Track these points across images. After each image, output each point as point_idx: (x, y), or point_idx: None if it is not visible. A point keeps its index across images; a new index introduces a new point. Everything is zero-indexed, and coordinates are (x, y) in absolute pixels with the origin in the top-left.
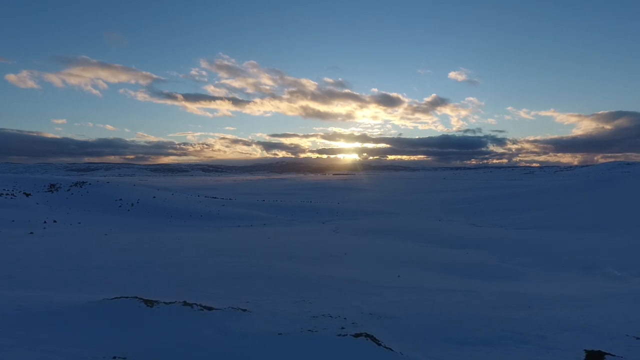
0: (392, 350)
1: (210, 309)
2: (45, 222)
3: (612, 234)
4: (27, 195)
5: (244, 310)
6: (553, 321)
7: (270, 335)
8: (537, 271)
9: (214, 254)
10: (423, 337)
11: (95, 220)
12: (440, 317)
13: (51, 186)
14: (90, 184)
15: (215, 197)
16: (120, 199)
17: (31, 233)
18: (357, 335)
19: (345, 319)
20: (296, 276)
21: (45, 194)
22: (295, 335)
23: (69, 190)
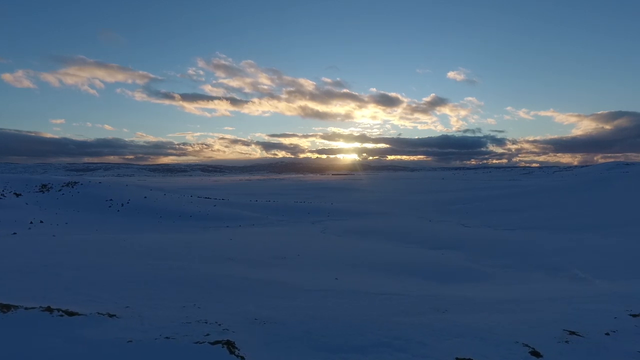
0: (244, 359)
1: (72, 314)
2: (31, 222)
3: (602, 234)
4: (18, 195)
5: (112, 315)
6: (453, 327)
7: (118, 343)
8: (505, 272)
9: (144, 257)
10: (294, 344)
11: (82, 221)
12: (333, 323)
13: (42, 186)
14: (82, 184)
15: (209, 198)
16: (111, 199)
17: (14, 234)
18: (215, 343)
19: (220, 324)
20: (211, 279)
21: (35, 194)
22: (145, 343)
23: (60, 190)
